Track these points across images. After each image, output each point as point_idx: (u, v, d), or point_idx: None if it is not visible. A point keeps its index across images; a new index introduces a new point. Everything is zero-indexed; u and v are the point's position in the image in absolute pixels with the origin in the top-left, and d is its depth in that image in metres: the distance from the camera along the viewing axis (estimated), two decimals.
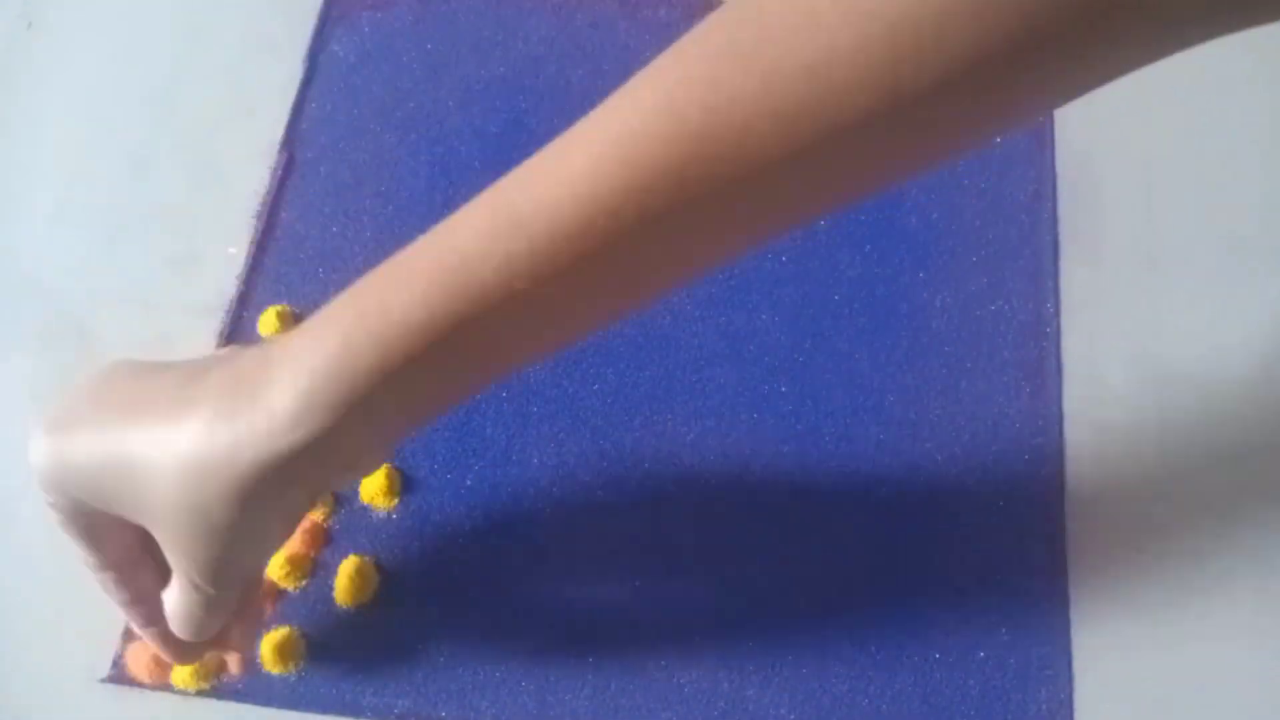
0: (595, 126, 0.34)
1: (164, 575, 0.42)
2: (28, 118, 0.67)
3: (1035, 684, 0.50)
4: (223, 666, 0.51)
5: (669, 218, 0.32)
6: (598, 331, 0.37)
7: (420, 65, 0.67)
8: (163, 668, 0.51)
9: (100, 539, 0.40)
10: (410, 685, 0.51)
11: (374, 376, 0.33)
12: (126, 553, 0.41)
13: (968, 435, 0.56)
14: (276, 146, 0.65)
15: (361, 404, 0.34)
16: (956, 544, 0.54)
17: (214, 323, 0.60)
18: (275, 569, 0.53)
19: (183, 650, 0.46)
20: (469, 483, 0.56)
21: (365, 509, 0.55)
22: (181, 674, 0.51)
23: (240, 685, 0.51)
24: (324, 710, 0.51)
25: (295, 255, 0.61)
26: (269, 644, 0.51)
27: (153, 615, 0.43)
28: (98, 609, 0.53)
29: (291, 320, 0.59)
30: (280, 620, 0.52)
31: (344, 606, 0.53)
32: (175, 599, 0.40)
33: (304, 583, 0.53)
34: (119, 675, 0.51)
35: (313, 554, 0.54)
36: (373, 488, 0.55)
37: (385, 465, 0.55)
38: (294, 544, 0.54)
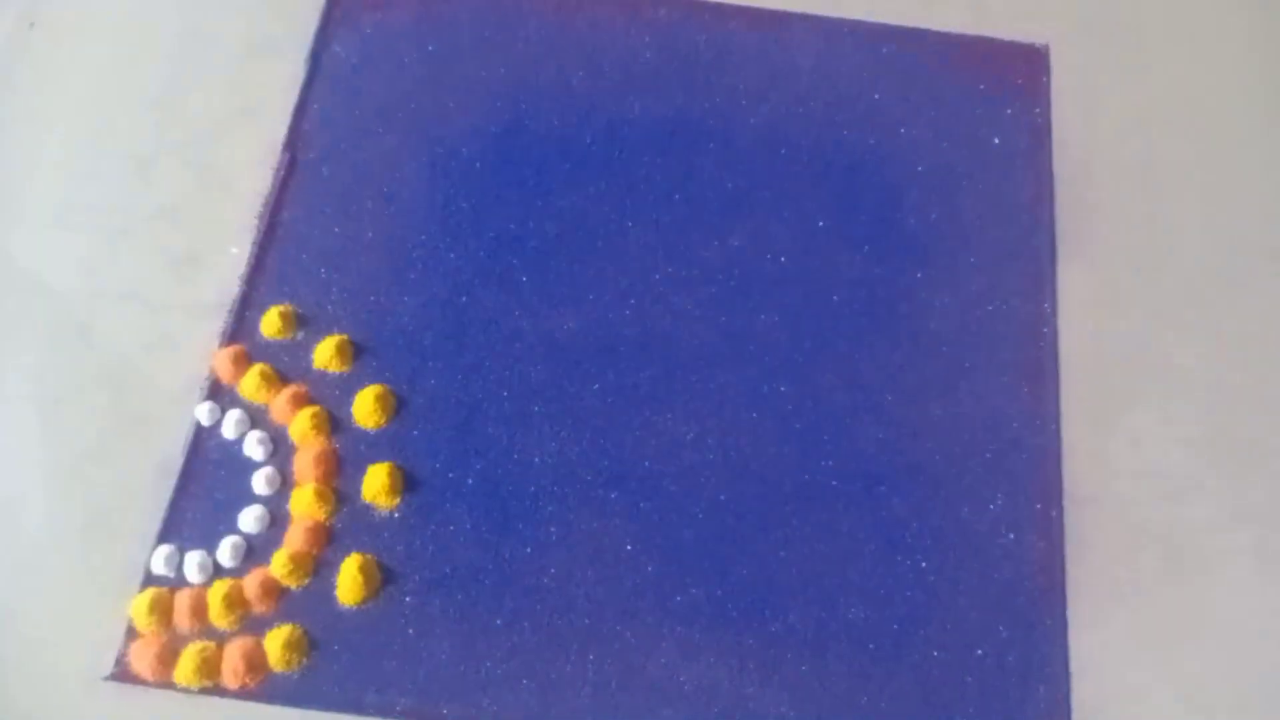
0: None
1: None
2: (30, 118, 0.67)
3: (1034, 682, 0.50)
4: (222, 667, 0.51)
5: None
6: None
7: (421, 66, 0.67)
8: (165, 666, 0.51)
9: None
10: (412, 683, 0.51)
11: None
12: None
13: (968, 435, 0.56)
14: (278, 147, 0.65)
15: None
16: (956, 543, 0.54)
17: (216, 322, 0.60)
18: (278, 567, 0.53)
19: None
20: (470, 482, 0.56)
21: (367, 508, 0.55)
22: (184, 672, 0.51)
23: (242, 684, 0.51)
24: (326, 708, 0.51)
25: (297, 255, 0.62)
26: (272, 642, 0.52)
27: None
28: (100, 608, 0.53)
29: (294, 320, 0.60)
30: (283, 618, 0.53)
31: (346, 605, 0.53)
32: None
33: (306, 581, 0.54)
34: (122, 673, 0.52)
35: (315, 552, 0.54)
36: (375, 487, 0.55)
37: (388, 464, 0.56)
38: (296, 542, 0.54)
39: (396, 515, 0.55)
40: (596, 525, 0.55)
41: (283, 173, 0.64)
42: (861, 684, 0.51)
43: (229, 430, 0.57)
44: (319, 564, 0.54)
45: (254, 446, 0.56)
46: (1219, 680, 0.50)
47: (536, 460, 0.56)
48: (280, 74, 0.67)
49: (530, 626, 0.52)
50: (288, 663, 0.51)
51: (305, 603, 0.53)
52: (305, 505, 0.55)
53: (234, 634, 0.53)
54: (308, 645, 0.52)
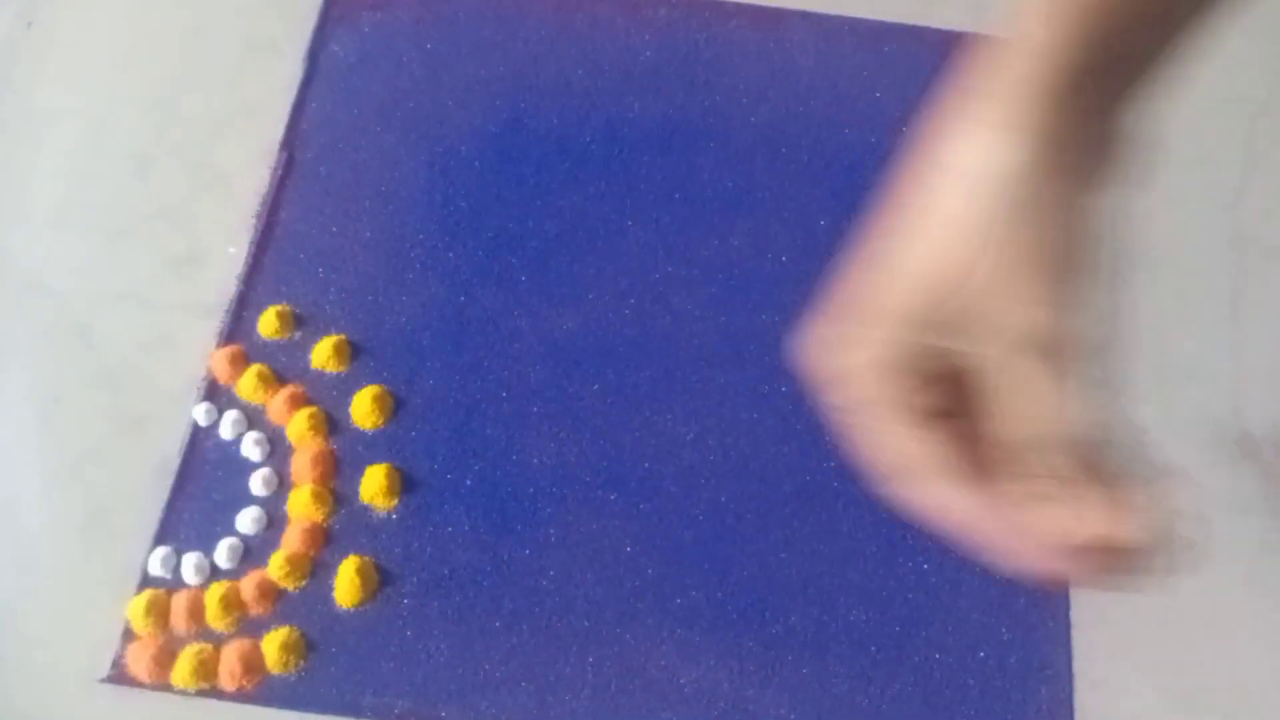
0: None
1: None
2: (28, 118, 0.67)
3: (1035, 684, 0.50)
4: (219, 667, 0.51)
5: None
6: None
7: (420, 65, 0.67)
8: (162, 668, 0.51)
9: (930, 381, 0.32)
10: (410, 685, 0.51)
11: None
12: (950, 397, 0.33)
13: None
14: (276, 146, 0.65)
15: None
16: (956, 543, 0.54)
17: (214, 322, 0.60)
18: (275, 569, 0.53)
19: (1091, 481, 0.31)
20: (469, 483, 0.56)
21: (365, 509, 0.55)
22: (181, 674, 0.51)
23: (240, 686, 0.51)
24: (324, 710, 0.51)
25: (295, 255, 0.61)
26: (269, 644, 0.51)
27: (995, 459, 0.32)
28: (97, 610, 0.53)
29: (292, 320, 0.59)
30: (281, 620, 0.52)
31: (344, 606, 0.53)
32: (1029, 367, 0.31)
33: (304, 583, 0.53)
34: (118, 675, 0.51)
35: (313, 554, 0.54)
36: (373, 488, 0.55)
37: (385, 465, 0.55)
38: (294, 544, 0.54)
39: (394, 516, 0.55)
40: (596, 526, 0.55)
41: (280, 172, 0.64)
42: (862, 686, 0.50)
43: (226, 431, 0.57)
44: (316, 566, 0.54)
45: (251, 447, 0.56)
46: (1222, 681, 0.50)
47: (535, 461, 0.56)
48: (278, 73, 0.67)
49: (529, 628, 0.52)
50: (285, 665, 0.51)
51: (302, 604, 0.53)
52: (303, 507, 0.54)
53: (231, 636, 0.52)
54: (305, 647, 0.52)
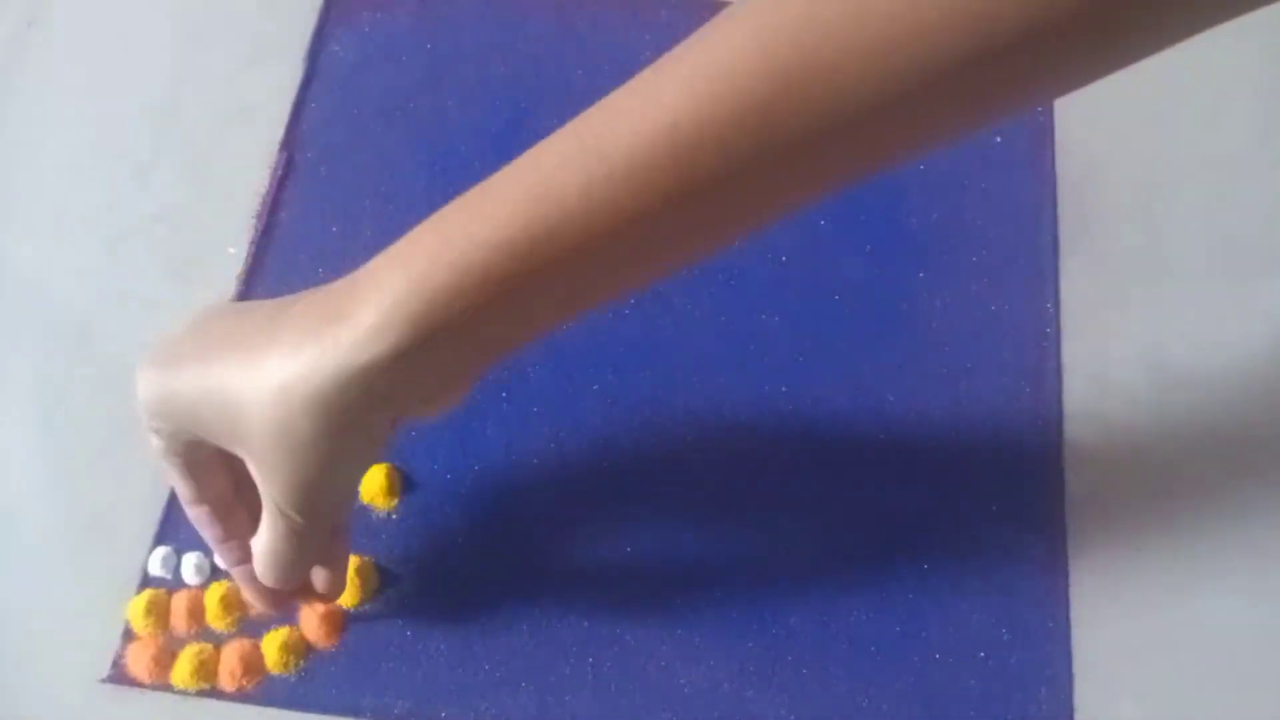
0: (685, 59, 0.34)
1: (256, 522, 0.43)
2: (28, 119, 0.67)
3: (1035, 684, 0.50)
4: (218, 669, 0.51)
5: (753, 156, 0.32)
6: (671, 273, 0.37)
7: (420, 66, 0.67)
8: (162, 668, 0.51)
9: (198, 473, 0.43)
10: (410, 686, 0.51)
11: (454, 296, 0.34)
12: (222, 490, 0.44)
13: (968, 435, 0.56)
14: (276, 147, 0.65)
15: (442, 323, 0.34)
16: (956, 544, 0.54)
17: None
18: None
19: (270, 596, 0.47)
20: (469, 483, 0.56)
21: (365, 509, 0.55)
22: (181, 674, 0.51)
23: (240, 686, 0.51)
24: (324, 710, 0.51)
25: (295, 256, 0.61)
26: (269, 644, 0.51)
27: (243, 555, 0.45)
28: (97, 610, 0.53)
29: None
30: (280, 620, 0.52)
31: (344, 607, 0.53)
32: (264, 536, 0.42)
33: None
34: (118, 675, 0.51)
35: None
36: (373, 488, 0.55)
37: (385, 465, 0.55)
38: None
39: (394, 517, 0.55)
40: (596, 526, 0.55)
41: (280, 173, 0.64)
42: (863, 687, 0.50)
43: None
44: None
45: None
46: (1222, 682, 0.50)
47: (535, 461, 0.56)
48: (278, 74, 0.67)
49: (529, 628, 0.52)
50: (285, 665, 0.51)
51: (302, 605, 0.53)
52: None
53: (231, 636, 0.52)
54: (305, 648, 0.52)
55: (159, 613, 0.52)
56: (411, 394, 0.37)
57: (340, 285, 0.38)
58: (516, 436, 0.57)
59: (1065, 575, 0.52)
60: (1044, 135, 0.64)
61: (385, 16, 0.69)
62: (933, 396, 0.57)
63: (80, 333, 0.60)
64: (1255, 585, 0.52)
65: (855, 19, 0.31)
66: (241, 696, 0.51)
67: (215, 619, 0.52)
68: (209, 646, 0.52)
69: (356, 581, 0.52)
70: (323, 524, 0.41)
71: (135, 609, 0.52)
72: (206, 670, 0.51)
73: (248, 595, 0.48)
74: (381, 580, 0.53)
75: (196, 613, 0.52)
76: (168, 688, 0.51)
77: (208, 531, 0.45)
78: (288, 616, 0.52)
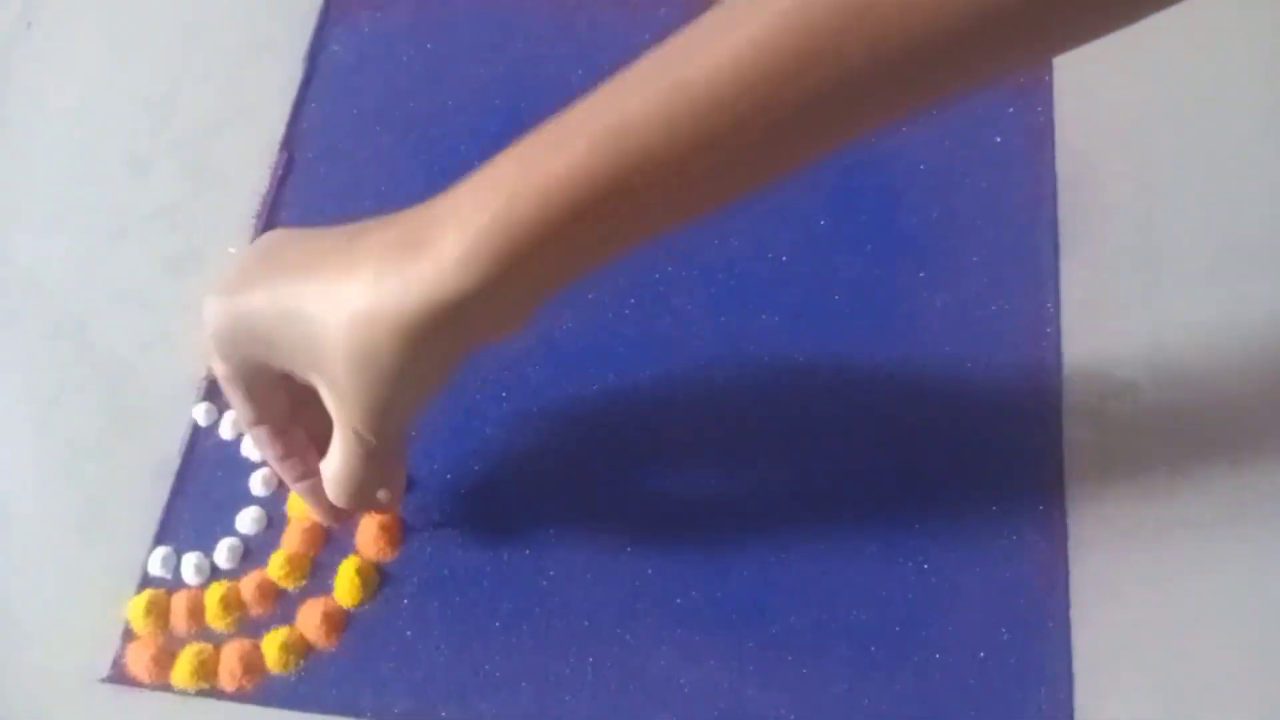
0: None
1: (315, 440, 0.46)
2: (27, 118, 0.67)
3: (1035, 684, 0.50)
4: (220, 669, 0.51)
5: (826, 85, 0.33)
6: (739, 201, 0.38)
7: (419, 65, 0.67)
8: (162, 668, 0.51)
9: (259, 395, 0.44)
10: (410, 685, 0.51)
11: (535, 229, 0.35)
12: (282, 410, 0.45)
13: (968, 435, 0.56)
14: (276, 147, 0.65)
15: (523, 256, 0.35)
16: (956, 544, 0.54)
17: None
18: (275, 569, 0.53)
19: (334, 511, 0.48)
20: (469, 483, 0.56)
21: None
22: (181, 674, 0.51)
23: (239, 686, 0.51)
24: (323, 710, 0.51)
25: None
26: (269, 644, 0.51)
27: (304, 470, 0.47)
28: (97, 609, 0.53)
29: None
30: (280, 620, 0.52)
31: (344, 606, 0.53)
32: (337, 458, 0.43)
33: (304, 583, 0.53)
34: (118, 675, 0.51)
35: (312, 554, 0.54)
36: None
37: None
38: (294, 544, 0.54)
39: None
40: (596, 526, 0.55)
41: (280, 172, 0.64)
42: (862, 686, 0.50)
43: (226, 431, 0.57)
44: (316, 566, 0.54)
45: (251, 447, 0.56)
46: (1222, 682, 0.50)
47: (535, 461, 0.56)
48: (278, 73, 0.67)
49: (529, 628, 0.52)
50: (285, 665, 0.51)
51: (302, 604, 0.53)
52: (302, 507, 0.54)
53: (231, 636, 0.52)
54: (304, 647, 0.52)
55: (159, 613, 0.52)
56: (488, 322, 0.38)
57: (418, 214, 0.39)
58: (516, 436, 0.57)
59: (1065, 575, 0.52)
60: (1043, 134, 0.64)
61: (384, 16, 0.69)
62: (933, 396, 0.57)
63: (79, 332, 0.60)
64: (1255, 585, 0.52)
65: None
66: (241, 696, 0.51)
67: (215, 619, 0.52)
68: (209, 646, 0.52)
69: (356, 581, 0.52)
70: (393, 446, 0.43)
71: (135, 609, 0.52)
72: (206, 670, 0.51)
73: (313, 510, 0.49)
74: (381, 580, 0.53)
75: (196, 613, 0.52)
76: (168, 688, 0.51)
77: (268, 450, 0.47)
78: (346, 532, 0.54)
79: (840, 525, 0.54)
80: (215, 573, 0.54)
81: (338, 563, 0.53)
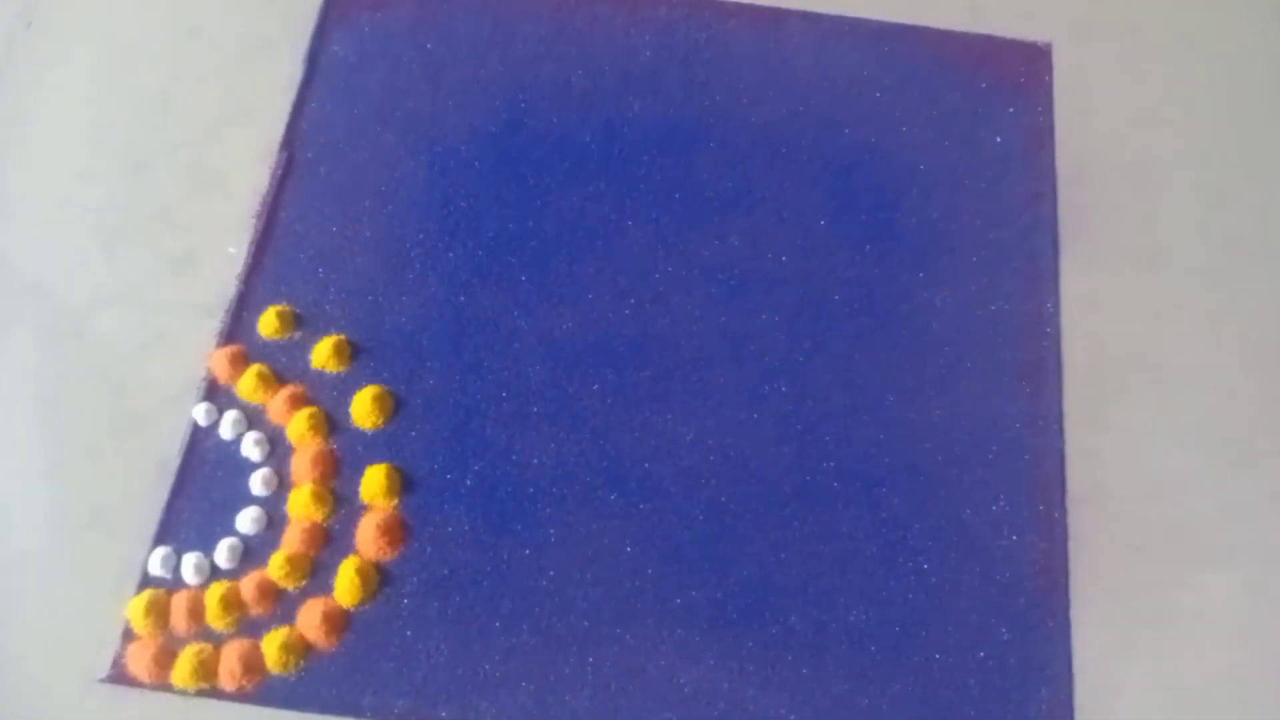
0: None
1: None
2: (27, 118, 0.67)
3: (1035, 684, 0.50)
4: (219, 669, 0.51)
5: None
6: None
7: (419, 66, 0.67)
8: (162, 668, 0.51)
9: None
10: (410, 685, 0.51)
11: None
12: None
13: (968, 435, 0.56)
14: (276, 147, 0.65)
15: None
16: (956, 544, 0.54)
17: (214, 322, 0.60)
18: (275, 569, 0.53)
19: None
20: (469, 483, 0.56)
21: (365, 509, 0.55)
22: (181, 674, 0.51)
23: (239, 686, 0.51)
24: (323, 710, 0.51)
25: (295, 255, 0.61)
26: (269, 644, 0.51)
27: None
28: (98, 610, 0.53)
29: (292, 320, 0.59)
30: (280, 620, 0.52)
31: (344, 606, 0.53)
32: None
33: (304, 583, 0.53)
34: (118, 675, 0.51)
35: (313, 554, 0.54)
36: (373, 488, 0.55)
37: (385, 465, 0.55)
38: (294, 544, 0.54)
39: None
40: (595, 527, 0.55)
41: (280, 172, 0.64)
42: (862, 686, 0.50)
43: (226, 431, 0.57)
44: (316, 566, 0.54)
45: (251, 447, 0.56)
46: (1223, 680, 0.50)
47: (535, 461, 0.56)
48: (278, 73, 0.67)
49: (529, 628, 0.52)
50: (284, 665, 0.51)
51: (302, 604, 0.53)
52: (303, 507, 0.54)
53: (231, 636, 0.52)
54: (304, 647, 0.52)
55: (159, 613, 0.52)
56: None
57: None
58: (516, 436, 0.57)
59: (1066, 575, 0.52)
60: (1043, 134, 0.64)
61: (384, 16, 0.69)
62: (932, 396, 0.57)
63: (79, 332, 0.60)
64: (1254, 585, 0.52)
65: None
66: (241, 696, 0.51)
67: (215, 619, 0.52)
68: (209, 646, 0.52)
69: (356, 581, 0.52)
70: None
71: (135, 609, 0.52)
72: (206, 670, 0.51)
73: None
74: (381, 580, 0.53)
75: (196, 613, 0.52)
76: (168, 688, 0.51)
77: None
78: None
79: (840, 525, 0.54)
80: (215, 573, 0.54)
81: (338, 563, 0.53)
